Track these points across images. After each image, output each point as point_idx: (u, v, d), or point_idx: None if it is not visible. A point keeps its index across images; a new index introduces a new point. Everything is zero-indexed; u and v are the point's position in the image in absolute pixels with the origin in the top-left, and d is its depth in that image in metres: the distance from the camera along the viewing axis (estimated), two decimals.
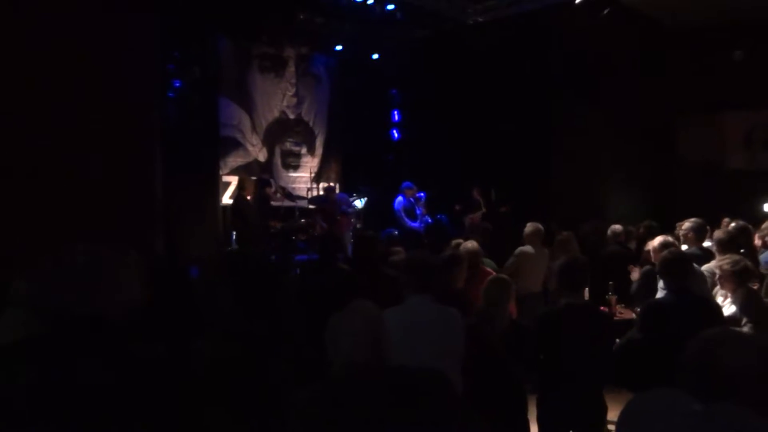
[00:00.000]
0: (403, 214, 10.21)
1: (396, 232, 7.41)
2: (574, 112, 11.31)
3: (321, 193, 11.18)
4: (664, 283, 3.88)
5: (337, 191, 11.84)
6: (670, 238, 5.34)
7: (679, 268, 3.73)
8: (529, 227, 6.51)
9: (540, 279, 6.47)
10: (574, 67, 10.98)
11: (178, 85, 9.49)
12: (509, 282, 4.03)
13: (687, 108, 11.70)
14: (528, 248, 6.46)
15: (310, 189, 11.27)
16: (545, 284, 6.44)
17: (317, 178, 12.04)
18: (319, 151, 12.23)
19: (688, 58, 11.37)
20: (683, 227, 5.90)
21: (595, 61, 10.90)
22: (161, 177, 7.46)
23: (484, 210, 11.73)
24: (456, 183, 12.13)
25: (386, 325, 2.12)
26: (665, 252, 3.99)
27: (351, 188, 11.99)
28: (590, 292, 4.83)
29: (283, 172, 11.67)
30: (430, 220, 10.69)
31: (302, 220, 10.25)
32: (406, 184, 10.41)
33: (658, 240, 5.27)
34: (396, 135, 12.81)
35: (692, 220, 5.89)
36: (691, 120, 11.81)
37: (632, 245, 7.13)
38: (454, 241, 5.84)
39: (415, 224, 10.33)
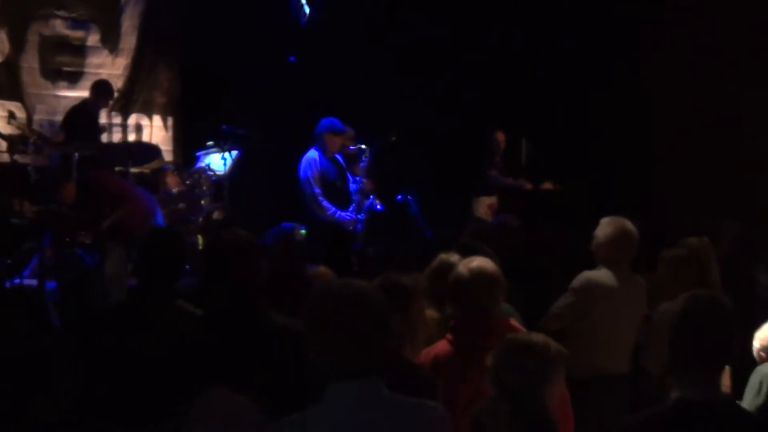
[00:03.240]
0: (317, 189, 10.16)
1: (303, 231, 7.30)
2: (701, 16, 11.64)
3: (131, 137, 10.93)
4: None
5: (152, 133, 11.87)
6: None
7: None
8: (609, 227, 6.56)
9: (627, 344, 6.60)
10: None
11: None
12: (552, 348, 4.04)
13: None
14: (603, 275, 6.54)
15: (106, 127, 11.07)
16: (637, 355, 6.56)
17: (124, 105, 12.04)
18: (128, 42, 12.21)
19: None
20: None
21: None
22: None
23: (524, 183, 11.85)
24: (444, 123, 12.16)
25: None
26: None
27: (203, 130, 11.96)
28: (733, 374, 4.89)
29: (44, 88, 11.58)
30: (379, 207, 10.69)
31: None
32: (327, 122, 10.36)
33: None
34: (308, 9, 12.69)
35: None
36: None
37: None
38: (441, 257, 5.85)
39: (346, 214, 10.31)
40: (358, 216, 10.42)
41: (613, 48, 12.22)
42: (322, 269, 6.27)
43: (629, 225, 6.54)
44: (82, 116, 10.72)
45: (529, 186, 11.91)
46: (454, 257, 5.68)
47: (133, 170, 10.56)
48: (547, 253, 10.12)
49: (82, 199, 9.77)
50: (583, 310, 6.45)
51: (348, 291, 3.34)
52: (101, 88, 10.97)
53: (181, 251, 5.36)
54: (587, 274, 6.56)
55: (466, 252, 5.80)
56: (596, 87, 12.13)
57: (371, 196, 10.63)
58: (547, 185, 11.85)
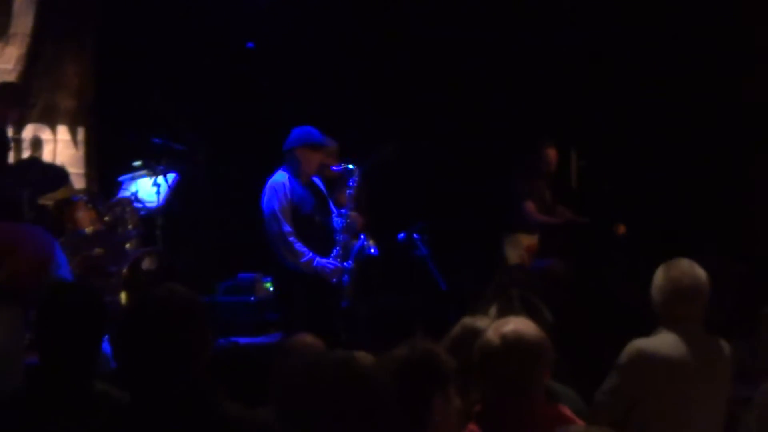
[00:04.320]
0: (286, 227, 10.14)
1: (268, 284, 7.22)
2: None
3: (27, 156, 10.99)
4: None
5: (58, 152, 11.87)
6: None
7: None
8: (661, 277, 6.62)
9: None
10: None
11: None
12: None
13: None
14: (661, 342, 6.57)
15: None
16: None
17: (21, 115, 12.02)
18: (22, 24, 12.29)
19: None
20: None
21: None
22: None
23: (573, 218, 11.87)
24: (464, 132, 12.23)
25: None
26: None
27: (127, 145, 12.03)
28: None
29: None
30: (373, 251, 10.68)
31: None
32: (301, 132, 10.37)
33: None
34: None
35: None
36: None
37: None
38: (465, 322, 5.82)
39: (328, 261, 10.28)
40: (345, 264, 10.40)
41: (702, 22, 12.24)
42: (309, 339, 6.19)
43: (688, 269, 6.57)
44: None
45: (582, 221, 11.84)
46: (482, 321, 5.64)
47: None
48: (606, 311, 10.12)
49: None
50: (636, 393, 6.43)
51: (337, 366, 3.29)
52: (3, 92, 10.90)
53: (98, 314, 5.32)
54: (638, 344, 6.54)
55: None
56: (673, 79, 12.13)
57: (362, 236, 10.65)
58: (619, 228, 11.76)
